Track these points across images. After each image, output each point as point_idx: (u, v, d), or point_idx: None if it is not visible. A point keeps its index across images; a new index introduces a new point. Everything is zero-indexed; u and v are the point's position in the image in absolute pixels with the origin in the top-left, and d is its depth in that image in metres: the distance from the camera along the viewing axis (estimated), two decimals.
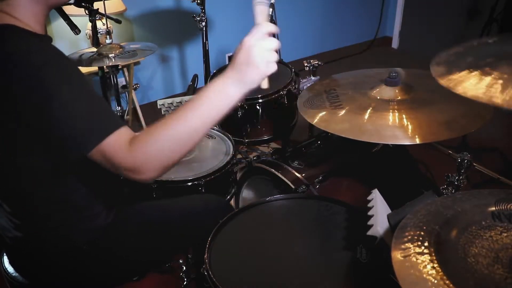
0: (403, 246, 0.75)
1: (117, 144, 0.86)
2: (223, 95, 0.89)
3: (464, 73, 0.86)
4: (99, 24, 2.24)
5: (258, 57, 0.86)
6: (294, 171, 1.61)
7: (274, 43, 0.88)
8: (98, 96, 0.92)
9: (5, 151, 0.96)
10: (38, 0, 0.95)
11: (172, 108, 1.85)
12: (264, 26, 0.89)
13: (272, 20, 1.93)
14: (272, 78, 0.92)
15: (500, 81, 0.79)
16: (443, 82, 0.87)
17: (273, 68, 0.88)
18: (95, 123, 0.87)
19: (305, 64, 1.93)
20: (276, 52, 0.89)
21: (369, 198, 1.09)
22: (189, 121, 0.88)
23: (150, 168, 0.87)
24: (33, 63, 0.85)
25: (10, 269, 1.20)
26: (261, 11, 0.92)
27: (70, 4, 2.06)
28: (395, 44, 4.55)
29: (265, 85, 0.92)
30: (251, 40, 0.87)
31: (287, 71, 1.90)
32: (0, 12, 0.92)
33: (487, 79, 0.82)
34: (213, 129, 1.79)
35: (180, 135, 0.88)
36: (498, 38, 1.01)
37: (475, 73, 0.84)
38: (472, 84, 0.83)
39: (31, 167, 0.98)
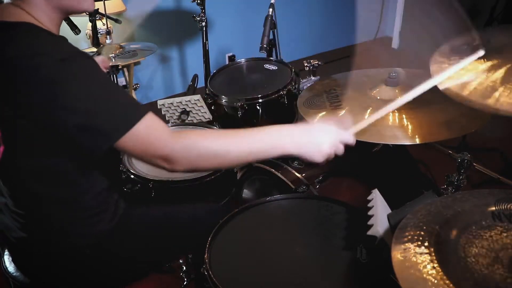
0: (403, 246, 0.75)
1: (153, 127, 0.90)
2: (280, 148, 0.99)
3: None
4: (99, 24, 2.25)
5: (324, 147, 1.00)
6: (294, 171, 1.61)
7: (340, 151, 1.02)
8: (121, 87, 0.93)
9: (16, 151, 0.95)
10: (52, 4, 0.95)
11: (172, 108, 1.85)
12: (350, 138, 1.03)
13: (272, 20, 1.93)
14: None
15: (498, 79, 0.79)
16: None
17: (320, 160, 1.00)
18: (124, 109, 0.89)
19: (305, 64, 1.93)
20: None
21: (369, 198, 1.09)
22: (241, 143, 0.96)
23: (182, 164, 0.92)
24: (51, 60, 0.85)
25: (11, 268, 1.20)
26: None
27: None
28: (395, 44, 4.54)
29: None
30: (332, 135, 1.01)
31: (287, 71, 1.90)
32: (19, 8, 0.92)
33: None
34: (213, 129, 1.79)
35: (228, 149, 0.94)
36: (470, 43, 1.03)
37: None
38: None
39: (41, 167, 0.97)
